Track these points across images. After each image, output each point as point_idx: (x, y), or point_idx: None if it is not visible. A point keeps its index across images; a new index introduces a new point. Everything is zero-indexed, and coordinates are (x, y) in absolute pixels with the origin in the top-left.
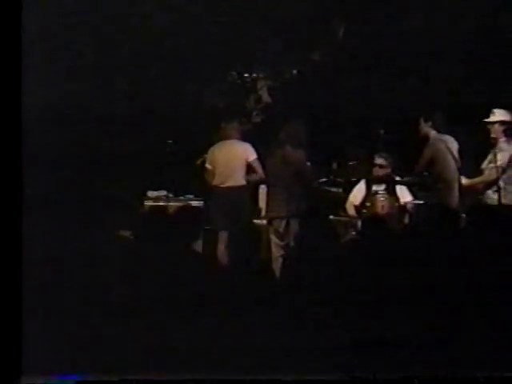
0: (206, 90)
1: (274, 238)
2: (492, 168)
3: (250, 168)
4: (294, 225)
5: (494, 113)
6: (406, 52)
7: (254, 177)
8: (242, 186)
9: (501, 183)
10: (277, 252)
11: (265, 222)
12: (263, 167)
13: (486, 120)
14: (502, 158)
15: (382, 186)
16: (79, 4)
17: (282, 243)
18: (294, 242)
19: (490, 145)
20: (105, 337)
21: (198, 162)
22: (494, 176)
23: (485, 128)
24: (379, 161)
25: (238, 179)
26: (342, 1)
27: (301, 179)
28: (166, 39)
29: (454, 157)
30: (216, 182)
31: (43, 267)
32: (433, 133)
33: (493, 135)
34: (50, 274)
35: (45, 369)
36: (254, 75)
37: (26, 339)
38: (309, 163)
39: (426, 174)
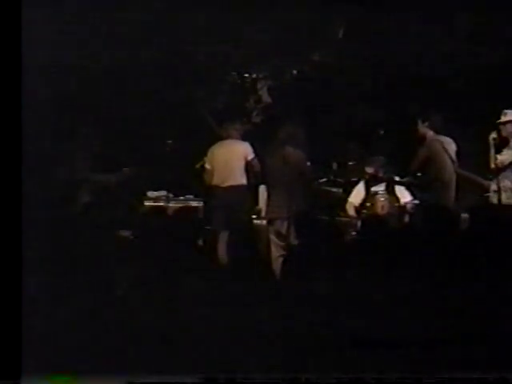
0: (206, 90)
1: (273, 238)
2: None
3: (248, 167)
4: (295, 225)
5: (505, 113)
6: (407, 52)
7: (253, 175)
8: (242, 186)
9: (509, 183)
10: (276, 252)
11: (264, 222)
12: (262, 167)
13: (498, 121)
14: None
15: (382, 186)
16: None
17: (281, 243)
18: (294, 242)
19: (500, 145)
20: (105, 336)
21: (198, 165)
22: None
23: (490, 129)
24: (369, 170)
25: (238, 179)
26: (342, 1)
27: (302, 179)
28: (166, 39)
29: (450, 157)
30: (216, 181)
31: (43, 267)
32: (430, 133)
33: (504, 135)
34: (50, 273)
35: (45, 369)
36: (254, 75)
37: (25, 339)
38: (309, 163)
39: (419, 174)
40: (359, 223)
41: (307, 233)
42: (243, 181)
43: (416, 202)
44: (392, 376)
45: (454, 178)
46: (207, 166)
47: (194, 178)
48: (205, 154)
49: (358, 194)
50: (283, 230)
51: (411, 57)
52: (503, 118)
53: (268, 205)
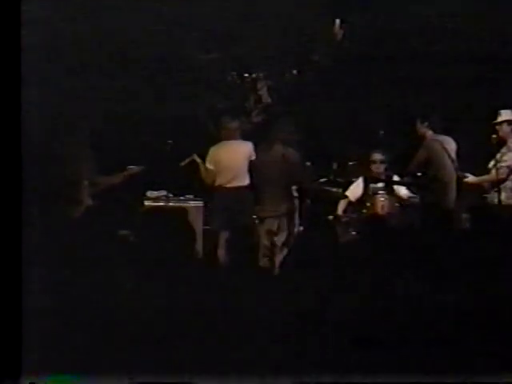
0: (206, 90)
1: (264, 239)
2: (500, 167)
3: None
4: (294, 225)
5: (500, 114)
6: (406, 52)
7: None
8: (247, 186)
9: (509, 183)
10: (266, 251)
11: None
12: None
13: (494, 122)
14: (510, 158)
15: (380, 185)
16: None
17: (269, 243)
18: (292, 242)
19: (498, 145)
20: (105, 336)
21: (183, 163)
22: (501, 175)
23: (489, 128)
24: (378, 156)
25: (243, 179)
26: (342, 1)
27: (295, 178)
28: (166, 39)
29: (450, 157)
30: (220, 182)
31: (43, 267)
32: (429, 133)
33: (501, 135)
34: (50, 273)
35: (45, 369)
36: (254, 75)
37: (25, 339)
38: (308, 163)
39: (419, 174)
40: (356, 222)
41: (306, 232)
42: (247, 181)
43: (415, 200)
44: (391, 378)
45: (454, 177)
46: (209, 166)
47: (194, 178)
48: (197, 152)
49: (355, 190)
50: (276, 230)
51: (411, 56)
52: (499, 119)
53: (260, 204)
